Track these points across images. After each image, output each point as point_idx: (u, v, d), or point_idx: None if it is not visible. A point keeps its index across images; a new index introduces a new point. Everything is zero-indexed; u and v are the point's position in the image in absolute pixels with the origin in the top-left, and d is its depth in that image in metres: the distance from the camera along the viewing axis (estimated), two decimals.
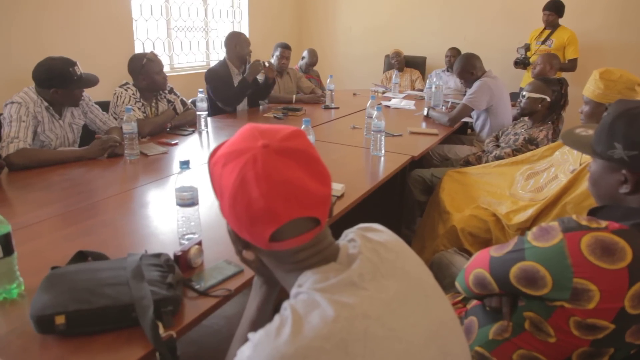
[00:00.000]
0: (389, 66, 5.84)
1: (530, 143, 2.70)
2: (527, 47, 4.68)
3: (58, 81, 2.26)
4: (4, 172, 2.00)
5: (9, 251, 1.10)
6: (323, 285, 0.73)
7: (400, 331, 0.72)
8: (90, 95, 2.59)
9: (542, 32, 4.69)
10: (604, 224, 0.99)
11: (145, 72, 2.78)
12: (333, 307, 0.69)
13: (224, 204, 0.77)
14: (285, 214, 0.72)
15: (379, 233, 0.85)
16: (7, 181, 1.94)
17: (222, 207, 0.78)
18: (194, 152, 2.56)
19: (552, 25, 4.60)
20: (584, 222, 1.01)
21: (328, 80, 4.06)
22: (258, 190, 0.71)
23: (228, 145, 0.78)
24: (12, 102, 2.21)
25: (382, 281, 0.76)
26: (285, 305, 0.73)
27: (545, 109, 2.76)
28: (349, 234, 0.85)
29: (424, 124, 3.40)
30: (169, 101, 3.01)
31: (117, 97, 2.76)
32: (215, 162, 0.79)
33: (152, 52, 2.87)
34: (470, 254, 1.99)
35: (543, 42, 4.62)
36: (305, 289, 0.74)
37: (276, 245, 0.75)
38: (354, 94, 4.78)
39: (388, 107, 4.07)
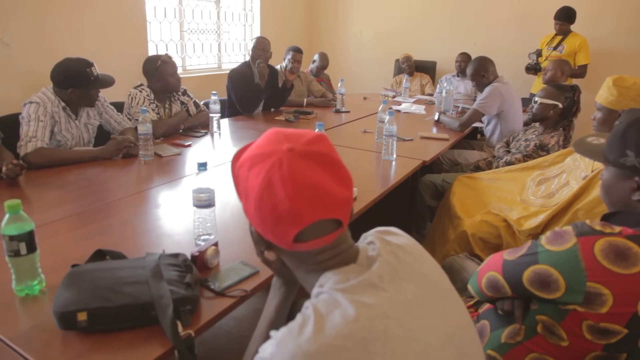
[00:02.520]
0: (399, 70, 5.85)
1: (541, 149, 2.70)
2: (539, 53, 4.67)
3: (75, 81, 2.31)
4: None
5: (32, 248, 1.12)
6: (344, 286, 0.75)
7: (418, 332, 0.74)
8: (105, 96, 2.63)
9: (553, 37, 4.68)
10: (617, 229, 1.01)
11: (159, 74, 2.82)
12: (354, 307, 0.71)
13: (249, 206, 0.79)
14: (309, 216, 0.74)
15: (397, 236, 0.87)
16: (25, 180, 1.97)
17: (247, 209, 0.81)
18: (207, 154, 2.59)
19: (563, 32, 4.60)
20: (597, 227, 1.02)
21: (339, 84, 4.08)
22: (284, 192, 0.73)
23: (253, 148, 0.80)
24: (31, 102, 2.25)
25: (400, 283, 0.78)
26: (307, 304, 0.75)
27: (557, 115, 2.76)
28: (368, 236, 0.87)
29: (434, 129, 3.41)
30: (182, 103, 3.05)
31: (132, 98, 2.80)
32: (240, 165, 0.81)
33: (166, 54, 2.90)
34: (481, 259, 2.00)
35: (554, 48, 4.61)
36: (327, 289, 0.76)
37: (299, 246, 0.77)
38: (365, 98, 4.80)
39: (398, 111, 4.08)
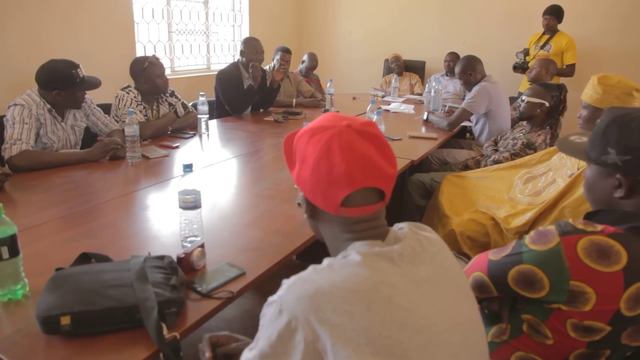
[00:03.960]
0: (388, 70, 5.86)
1: (529, 147, 2.72)
2: (526, 52, 4.70)
3: (61, 83, 2.28)
4: None
5: (14, 252, 1.11)
6: (365, 251, 0.82)
7: (424, 309, 0.79)
8: (92, 97, 2.61)
9: (540, 37, 4.72)
10: (599, 227, 1.01)
11: (146, 75, 2.80)
12: (366, 269, 0.79)
13: (305, 170, 0.88)
14: (360, 180, 0.83)
15: (427, 231, 0.92)
16: (10, 183, 1.95)
17: (302, 174, 0.89)
18: (195, 155, 2.58)
19: (551, 30, 4.64)
20: (580, 226, 1.03)
21: (328, 84, 4.08)
22: (341, 156, 0.83)
23: (313, 123, 0.91)
24: (15, 104, 2.23)
25: (419, 266, 0.83)
26: (325, 260, 0.84)
27: (544, 114, 2.78)
28: (400, 224, 0.93)
29: (423, 128, 3.43)
30: (170, 104, 3.03)
31: (119, 99, 2.78)
32: (301, 135, 0.91)
33: (154, 56, 2.88)
34: (469, 258, 2.01)
35: (542, 47, 4.65)
36: (348, 253, 0.84)
37: (345, 210, 0.85)
38: (354, 98, 4.80)
39: (387, 111, 4.09)
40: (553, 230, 1.05)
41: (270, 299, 0.80)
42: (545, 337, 1.08)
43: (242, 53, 3.69)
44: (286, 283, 0.80)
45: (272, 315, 0.78)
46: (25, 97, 2.27)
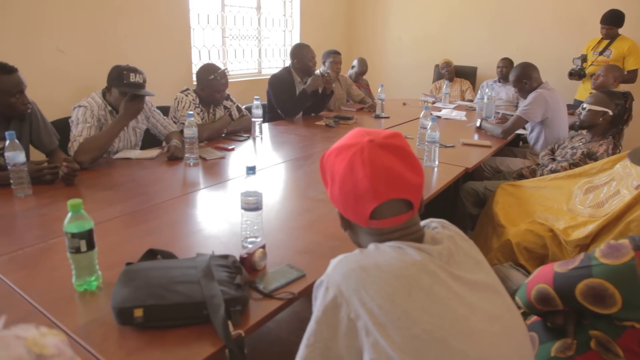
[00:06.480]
0: (438, 76, 5.79)
1: (589, 157, 2.62)
2: (584, 58, 4.51)
3: (112, 79, 2.40)
4: None
5: (91, 246, 1.18)
6: (407, 244, 0.87)
7: (464, 299, 0.82)
8: (152, 101, 2.71)
9: (599, 42, 4.51)
10: None
11: (208, 85, 2.89)
12: (410, 257, 0.83)
13: (334, 188, 0.93)
14: (385, 193, 0.87)
15: (454, 228, 0.95)
16: (77, 180, 2.05)
17: (332, 192, 0.95)
18: (250, 158, 2.63)
19: (610, 37, 4.42)
20: None
21: (379, 90, 4.07)
22: (363, 172, 0.87)
23: (339, 141, 0.96)
24: (79, 106, 2.36)
25: (454, 265, 0.87)
26: (370, 244, 0.89)
27: (607, 122, 2.66)
28: (431, 223, 0.97)
29: (476, 136, 3.36)
30: (225, 107, 3.11)
31: (178, 102, 2.88)
32: (328, 155, 0.97)
33: (223, 71, 2.94)
34: (525, 269, 1.96)
35: (600, 53, 4.44)
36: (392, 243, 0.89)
37: (375, 222, 0.90)
38: (404, 104, 4.77)
39: (439, 117, 4.04)
40: (627, 244, 1.01)
41: (319, 279, 0.86)
42: (615, 355, 1.04)
43: (295, 62, 3.74)
44: (332, 262, 0.86)
45: (320, 293, 0.85)
46: (88, 100, 2.39)
